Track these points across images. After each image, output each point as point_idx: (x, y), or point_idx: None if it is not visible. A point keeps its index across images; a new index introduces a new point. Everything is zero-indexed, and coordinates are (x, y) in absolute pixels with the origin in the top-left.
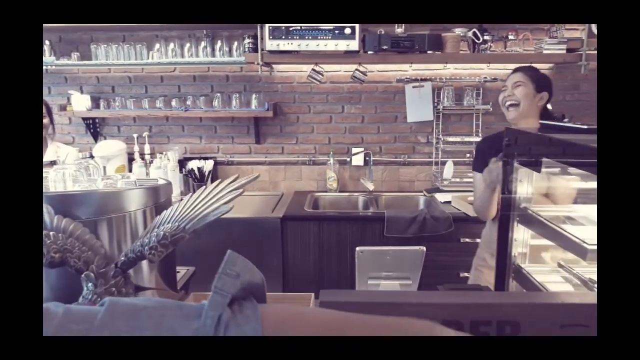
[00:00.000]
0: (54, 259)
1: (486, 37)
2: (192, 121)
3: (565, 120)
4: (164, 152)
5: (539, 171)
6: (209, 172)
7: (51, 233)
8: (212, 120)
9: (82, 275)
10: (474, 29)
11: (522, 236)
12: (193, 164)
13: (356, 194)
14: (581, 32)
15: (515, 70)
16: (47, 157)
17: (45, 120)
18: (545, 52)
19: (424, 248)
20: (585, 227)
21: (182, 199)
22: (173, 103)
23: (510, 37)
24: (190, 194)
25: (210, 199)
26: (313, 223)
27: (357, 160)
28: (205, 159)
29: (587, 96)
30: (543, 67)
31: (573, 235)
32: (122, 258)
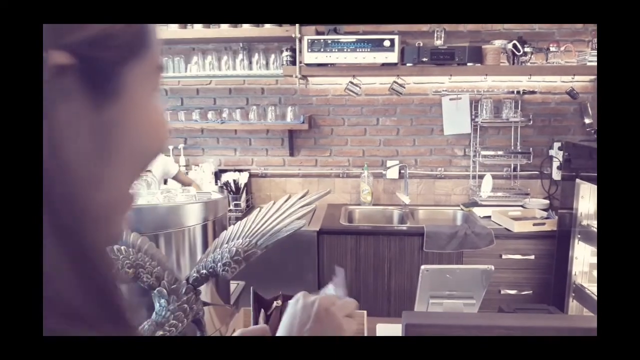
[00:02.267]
0: (127, 274)
1: (526, 49)
2: (227, 133)
3: None
4: (199, 164)
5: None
6: (244, 184)
7: (122, 247)
8: (247, 133)
9: (155, 291)
10: (514, 41)
11: (583, 254)
12: (228, 176)
13: (391, 207)
14: None
15: None
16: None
17: None
18: (589, 64)
19: (492, 267)
20: None
21: (249, 215)
22: (209, 115)
23: (552, 48)
24: (258, 209)
25: (281, 214)
26: (350, 237)
27: (392, 173)
28: (240, 171)
29: None
30: (584, 79)
31: None
32: (194, 274)
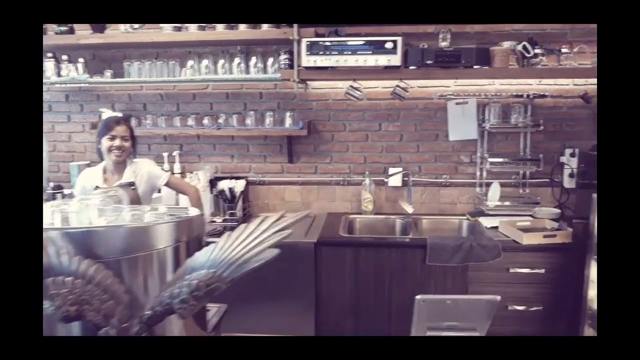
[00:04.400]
0: (69, 312)
1: (537, 51)
2: (224, 139)
3: None
4: (195, 172)
5: None
6: (241, 192)
7: (68, 279)
8: (245, 139)
9: (101, 331)
10: (524, 42)
11: None
12: (224, 184)
13: (393, 216)
14: None
15: None
16: (124, 179)
17: (127, 144)
18: None
19: (499, 297)
20: None
21: (219, 240)
22: (205, 121)
23: (564, 50)
24: (228, 233)
25: (252, 240)
26: (349, 249)
27: (395, 180)
28: (237, 178)
29: None
30: None
31: None
32: (148, 312)
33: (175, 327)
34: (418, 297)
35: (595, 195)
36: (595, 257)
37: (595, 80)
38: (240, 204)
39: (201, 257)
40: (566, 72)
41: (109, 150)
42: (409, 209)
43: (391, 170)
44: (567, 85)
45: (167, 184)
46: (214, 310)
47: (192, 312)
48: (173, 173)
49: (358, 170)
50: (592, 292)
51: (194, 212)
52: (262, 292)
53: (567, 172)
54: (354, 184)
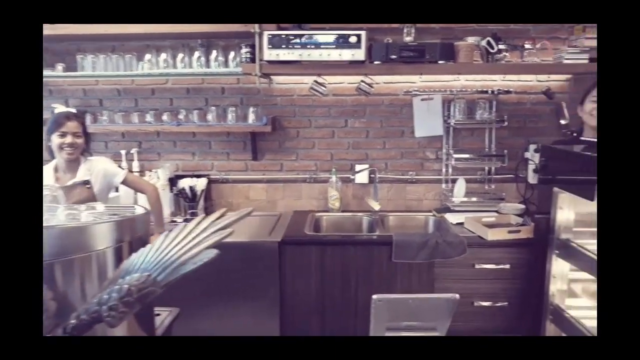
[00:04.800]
0: None
1: (501, 46)
2: (185, 136)
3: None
4: (154, 170)
5: (591, 199)
6: (202, 191)
7: None
8: (206, 136)
9: None
10: (488, 38)
11: (561, 271)
12: (184, 183)
13: (360, 213)
14: None
15: None
16: (78, 177)
17: (80, 141)
18: (565, 61)
19: (457, 296)
20: None
21: (156, 240)
22: (164, 117)
23: (527, 46)
24: (166, 233)
25: (190, 240)
26: (315, 247)
27: (362, 177)
28: (198, 176)
29: None
30: (561, 78)
31: None
32: (73, 321)
33: (117, 334)
34: (375, 296)
35: (556, 189)
36: (557, 252)
37: (557, 77)
38: (201, 203)
39: (136, 259)
40: (529, 68)
41: (60, 147)
42: (376, 206)
43: (358, 167)
44: (530, 81)
45: (124, 182)
46: (164, 315)
47: (121, 320)
48: (131, 171)
49: (324, 167)
50: (553, 287)
51: (139, 210)
52: (224, 294)
53: (531, 167)
54: (321, 181)
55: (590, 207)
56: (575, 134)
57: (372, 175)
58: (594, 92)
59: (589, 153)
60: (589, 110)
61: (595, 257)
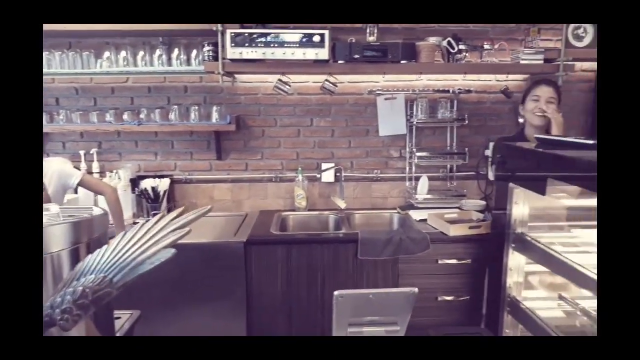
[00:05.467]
0: None
1: (461, 47)
2: (147, 136)
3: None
4: (115, 171)
5: (543, 193)
6: (165, 191)
7: None
8: (169, 135)
9: None
10: (449, 38)
11: (517, 263)
12: (147, 183)
13: (326, 212)
14: (555, 42)
15: (546, 84)
16: None
17: None
18: (522, 62)
19: (416, 290)
20: (590, 256)
21: (112, 240)
22: (125, 116)
23: (486, 46)
24: (123, 232)
25: (148, 240)
26: (281, 247)
27: (328, 176)
28: (161, 177)
29: (565, 108)
30: (518, 78)
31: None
32: None
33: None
34: (336, 292)
35: (511, 185)
36: (513, 245)
37: (514, 76)
38: (164, 203)
39: (91, 260)
40: (488, 68)
41: None
42: (342, 204)
43: (324, 166)
44: (490, 80)
45: (81, 184)
46: (125, 318)
47: (75, 324)
48: (90, 172)
49: (290, 166)
50: (510, 280)
51: (96, 211)
52: (188, 295)
53: (491, 164)
54: (287, 180)
55: (544, 202)
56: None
57: (338, 174)
58: (535, 92)
59: (540, 150)
60: (531, 109)
61: (548, 250)
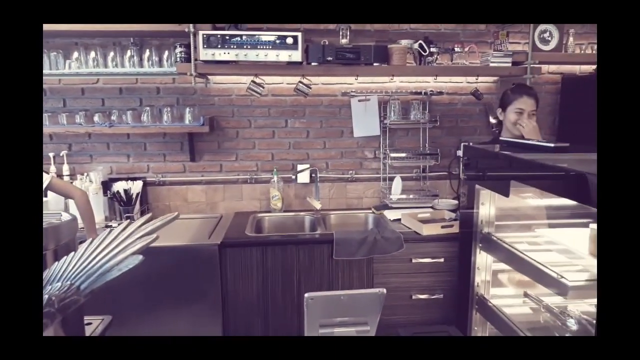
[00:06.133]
0: None
1: (432, 49)
2: (119, 138)
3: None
4: (86, 173)
5: (507, 195)
6: (137, 194)
7: None
8: (141, 137)
9: None
10: (420, 41)
11: (485, 262)
12: (119, 186)
13: (302, 213)
14: (523, 46)
15: (527, 95)
16: None
17: None
18: (491, 64)
19: (384, 290)
20: (552, 254)
21: (80, 246)
22: (96, 118)
23: (456, 49)
24: (90, 239)
25: (115, 247)
26: (256, 249)
27: (303, 177)
28: (134, 179)
29: None
30: (488, 80)
31: (554, 272)
32: None
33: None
34: (307, 295)
35: (477, 186)
36: (480, 245)
37: (484, 79)
38: (137, 206)
39: (58, 267)
40: (458, 70)
41: None
42: (317, 205)
43: (299, 167)
44: (460, 82)
45: (50, 187)
46: (96, 323)
47: (42, 332)
48: (60, 175)
49: (266, 167)
50: (478, 278)
51: (65, 217)
52: (163, 299)
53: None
54: (262, 181)
55: (508, 203)
56: (498, 132)
57: (313, 175)
58: (518, 104)
59: (506, 152)
60: (513, 120)
61: (511, 249)
